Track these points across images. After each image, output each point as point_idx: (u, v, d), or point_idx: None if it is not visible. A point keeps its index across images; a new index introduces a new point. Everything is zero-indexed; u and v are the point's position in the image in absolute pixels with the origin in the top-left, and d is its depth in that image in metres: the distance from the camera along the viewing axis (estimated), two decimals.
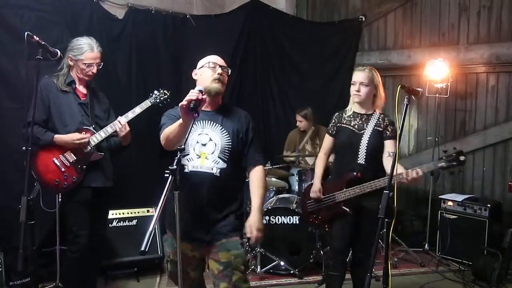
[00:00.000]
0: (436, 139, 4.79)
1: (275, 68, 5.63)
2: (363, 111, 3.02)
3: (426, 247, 4.62)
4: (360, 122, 3.00)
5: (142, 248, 1.49)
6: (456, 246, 4.31)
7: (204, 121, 2.28)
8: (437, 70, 4.56)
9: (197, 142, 2.24)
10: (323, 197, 3.10)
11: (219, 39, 5.13)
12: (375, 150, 2.94)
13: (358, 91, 2.94)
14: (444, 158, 2.80)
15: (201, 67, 2.32)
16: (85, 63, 3.08)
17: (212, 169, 2.21)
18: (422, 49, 5.04)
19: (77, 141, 3.00)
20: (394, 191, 2.27)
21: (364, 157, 2.94)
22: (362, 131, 2.96)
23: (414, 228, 4.92)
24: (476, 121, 4.83)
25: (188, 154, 2.23)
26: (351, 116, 3.03)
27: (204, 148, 2.22)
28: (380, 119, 2.99)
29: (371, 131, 2.95)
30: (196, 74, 2.35)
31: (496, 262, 3.73)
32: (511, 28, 4.55)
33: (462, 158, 2.74)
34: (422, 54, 4.95)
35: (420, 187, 5.17)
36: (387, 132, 2.96)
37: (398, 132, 2.25)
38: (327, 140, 3.18)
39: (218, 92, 2.28)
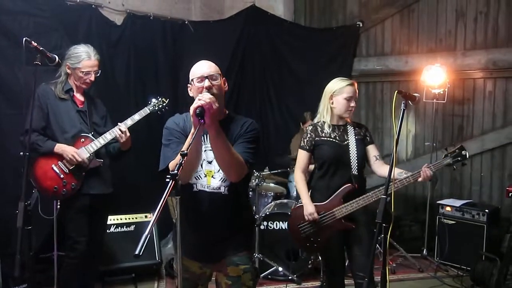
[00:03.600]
0: (434, 144, 4.79)
1: (273, 74, 5.65)
2: (340, 123, 2.97)
3: (424, 252, 4.61)
4: (339, 133, 2.93)
5: (136, 252, 1.44)
6: (454, 251, 4.31)
7: (207, 135, 2.07)
8: (434, 76, 4.57)
9: (204, 159, 2.10)
10: (319, 217, 2.89)
11: (217, 44, 5.15)
12: (363, 159, 2.94)
13: (354, 106, 2.91)
14: (449, 155, 2.86)
15: (190, 83, 2.11)
16: (82, 71, 3.08)
17: (219, 188, 2.08)
18: (420, 55, 5.06)
19: (72, 156, 3.00)
20: (392, 196, 2.27)
21: (357, 167, 2.89)
22: (346, 142, 2.91)
23: (413, 233, 4.92)
24: (473, 126, 4.84)
25: (195, 172, 2.10)
26: (329, 129, 2.94)
27: (210, 165, 2.10)
28: (356, 128, 2.99)
29: (354, 141, 2.92)
30: (190, 89, 2.14)
31: (495, 267, 3.72)
32: (507, 33, 4.58)
33: (464, 152, 2.81)
34: (419, 60, 4.97)
35: (418, 192, 5.17)
36: (367, 138, 3.00)
37: (395, 137, 2.25)
38: (303, 156, 2.98)
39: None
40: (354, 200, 2.83)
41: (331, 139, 2.91)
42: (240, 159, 1.98)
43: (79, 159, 3.02)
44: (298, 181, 3.01)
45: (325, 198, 2.91)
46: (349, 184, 2.86)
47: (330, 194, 2.90)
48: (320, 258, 4.07)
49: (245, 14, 5.45)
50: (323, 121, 2.97)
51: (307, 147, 2.97)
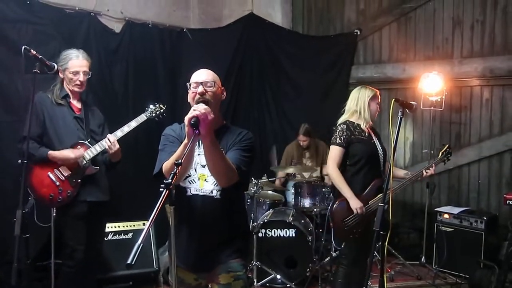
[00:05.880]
0: (432, 151, 4.80)
1: (271, 82, 5.67)
2: (364, 125, 3.22)
3: (422, 260, 4.60)
4: (366, 134, 3.19)
5: (128, 261, 1.42)
6: (452, 259, 4.31)
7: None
8: (431, 83, 4.58)
9: (198, 163, 2.11)
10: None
11: (215, 52, 5.17)
12: (385, 156, 3.28)
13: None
14: (444, 153, 3.43)
15: (188, 89, 2.13)
16: (71, 71, 3.08)
17: (212, 192, 2.09)
18: (417, 63, 5.08)
19: (73, 160, 3.01)
20: (390, 203, 2.28)
21: (382, 164, 3.23)
22: (373, 141, 3.20)
23: (411, 241, 4.92)
24: (471, 134, 4.85)
25: (190, 176, 2.11)
26: (360, 129, 3.20)
27: (204, 169, 2.10)
28: (373, 129, 3.31)
29: (377, 140, 3.23)
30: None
31: (493, 275, 3.72)
32: (504, 42, 4.61)
33: (449, 150, 3.49)
34: (416, 68, 4.99)
35: (416, 199, 5.18)
36: (381, 139, 3.32)
37: (393, 144, 2.27)
38: (339, 152, 3.15)
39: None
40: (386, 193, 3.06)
41: (363, 137, 3.17)
42: (232, 167, 1.98)
43: (79, 155, 3.02)
44: (337, 176, 3.14)
45: (358, 192, 3.13)
46: (380, 179, 3.16)
47: (362, 189, 3.14)
48: (318, 266, 4.08)
49: (243, 22, 5.47)
50: (353, 121, 3.21)
51: (344, 144, 3.15)
